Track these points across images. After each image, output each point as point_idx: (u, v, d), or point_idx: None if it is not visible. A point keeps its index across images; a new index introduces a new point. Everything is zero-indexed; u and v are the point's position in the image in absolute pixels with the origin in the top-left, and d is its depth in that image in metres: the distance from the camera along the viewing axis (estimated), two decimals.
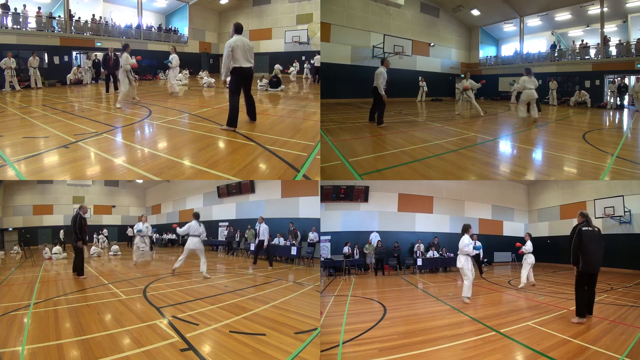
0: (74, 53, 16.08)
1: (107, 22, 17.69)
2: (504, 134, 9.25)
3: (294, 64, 18.15)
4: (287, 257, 11.21)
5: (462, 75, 19.81)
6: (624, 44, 14.84)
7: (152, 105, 9.97)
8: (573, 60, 16.53)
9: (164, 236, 17.75)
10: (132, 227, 12.64)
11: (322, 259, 10.79)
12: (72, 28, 15.97)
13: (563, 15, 17.11)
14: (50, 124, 7.51)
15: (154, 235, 17.13)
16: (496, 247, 14.13)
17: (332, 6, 14.69)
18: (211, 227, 15.99)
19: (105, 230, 17.29)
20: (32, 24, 14.75)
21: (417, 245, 12.15)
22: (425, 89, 16.62)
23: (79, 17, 16.42)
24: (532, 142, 8.33)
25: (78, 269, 7.59)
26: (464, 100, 11.80)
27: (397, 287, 8.79)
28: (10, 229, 17.50)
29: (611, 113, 13.89)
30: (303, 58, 18.78)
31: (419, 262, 11.44)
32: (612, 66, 15.24)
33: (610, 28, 15.65)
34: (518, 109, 10.41)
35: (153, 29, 19.92)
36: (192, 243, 7.83)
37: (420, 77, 16.70)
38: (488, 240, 12.95)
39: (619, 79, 15.18)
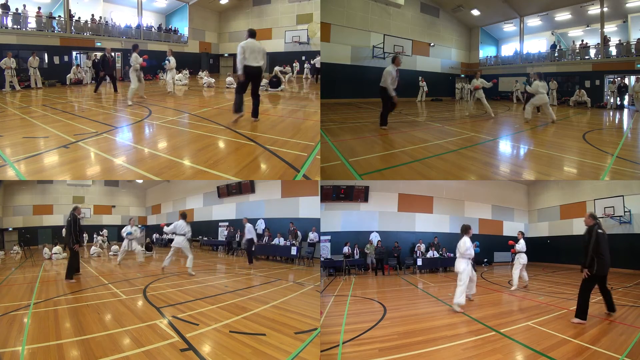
0: (74, 53, 16.09)
1: (107, 22, 17.69)
2: (504, 134, 9.25)
3: (294, 64, 18.16)
4: (287, 257, 11.20)
5: (463, 75, 19.82)
6: (624, 44, 14.84)
7: (152, 105, 9.97)
8: (573, 60, 16.53)
9: (164, 236, 17.73)
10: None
11: (322, 259, 10.79)
12: (72, 28, 15.97)
13: (563, 15, 17.11)
14: (50, 124, 7.51)
15: (154, 235, 17.16)
16: (496, 247, 14.12)
17: (332, 6, 14.68)
18: (211, 227, 16.01)
19: (105, 231, 17.29)
20: (32, 24, 14.75)
21: (417, 245, 12.15)
22: (425, 89, 16.62)
23: (79, 17, 16.42)
24: (532, 142, 8.32)
25: (73, 271, 7.33)
26: (473, 100, 11.66)
27: (397, 287, 8.79)
28: (10, 229, 17.50)
29: (611, 113, 13.89)
30: (303, 58, 18.79)
31: (419, 262, 11.44)
32: (612, 66, 15.24)
33: (610, 28, 15.64)
34: (525, 111, 10.43)
35: (153, 29, 19.92)
36: (178, 242, 8.21)
37: (420, 77, 16.71)
38: (488, 240, 12.96)
39: (619, 79, 15.19)
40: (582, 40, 16.65)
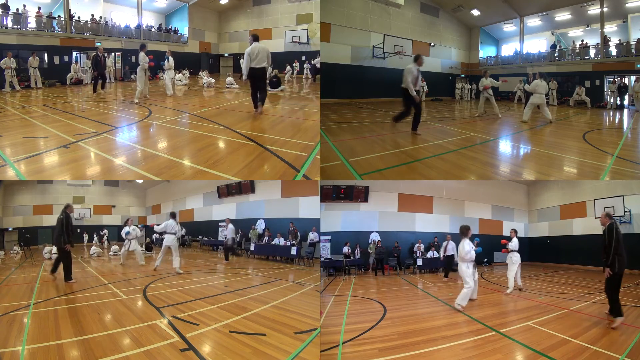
0: (74, 53, 16.09)
1: (107, 22, 17.70)
2: (504, 134, 9.25)
3: (294, 64, 18.17)
4: (287, 257, 11.20)
5: (463, 75, 19.82)
6: (624, 44, 14.84)
7: (152, 105, 9.97)
8: (573, 60, 16.54)
9: (164, 236, 17.73)
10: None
11: (322, 259, 10.79)
12: (72, 28, 15.97)
13: (563, 15, 17.11)
14: (50, 124, 7.51)
15: (155, 235, 17.15)
16: (496, 247, 14.08)
17: (332, 6, 14.69)
18: (211, 227, 16.01)
19: (105, 230, 17.30)
20: (32, 24, 14.75)
21: (417, 245, 12.15)
22: (426, 89, 16.60)
23: (79, 17, 16.43)
24: (532, 142, 8.33)
25: (67, 273, 6.98)
26: (483, 100, 11.60)
27: (397, 287, 8.78)
28: (10, 229, 17.51)
29: (611, 113, 13.89)
30: (303, 58, 18.79)
31: (419, 262, 11.44)
32: (612, 66, 15.24)
33: (610, 28, 15.65)
34: (524, 112, 10.42)
35: (153, 29, 19.92)
36: (168, 240, 8.44)
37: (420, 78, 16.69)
38: (488, 241, 12.94)
39: (619, 79, 15.19)
40: (582, 40, 16.65)
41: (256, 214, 13.78)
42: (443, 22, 18.67)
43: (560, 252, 14.00)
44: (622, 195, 11.46)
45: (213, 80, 15.68)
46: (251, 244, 12.46)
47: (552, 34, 17.99)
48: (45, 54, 15.04)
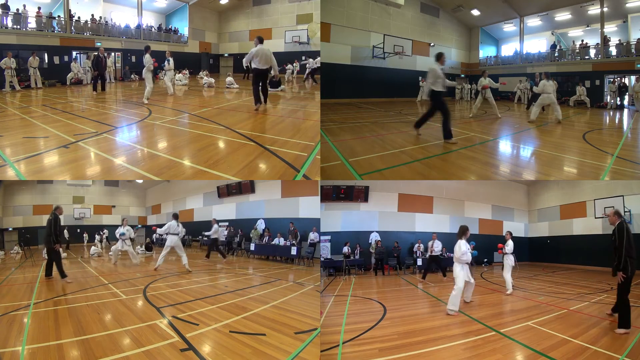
0: (74, 53, 16.09)
1: (107, 22, 17.70)
2: (504, 134, 9.25)
3: (294, 64, 18.15)
4: (287, 257, 11.20)
5: (463, 75, 19.81)
6: (624, 44, 14.84)
7: (152, 105, 9.96)
8: (573, 60, 16.53)
9: (164, 236, 17.73)
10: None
11: (322, 259, 10.79)
12: (72, 28, 15.97)
13: (563, 15, 17.11)
14: (50, 124, 7.51)
15: (155, 235, 17.14)
16: (496, 248, 14.11)
17: (332, 6, 14.69)
18: (211, 227, 15.99)
19: (105, 231, 17.28)
20: (32, 24, 14.75)
21: (417, 245, 12.14)
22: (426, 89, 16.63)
23: (79, 17, 16.43)
24: (532, 142, 8.32)
25: (60, 271, 7.06)
26: (480, 100, 11.61)
27: (397, 287, 8.78)
28: (10, 229, 17.49)
29: (611, 113, 13.89)
30: (303, 58, 18.79)
31: (419, 262, 11.43)
32: (612, 66, 15.24)
33: (610, 28, 15.65)
34: (532, 111, 10.41)
35: (153, 29, 19.92)
36: (172, 241, 8.65)
37: (420, 77, 16.70)
38: (488, 241, 12.94)
39: (619, 79, 15.19)
40: (582, 40, 16.65)
41: (256, 214, 13.78)
42: (443, 22, 18.67)
43: (560, 252, 14.00)
44: (622, 195, 11.46)
45: (213, 80, 15.68)
46: (251, 244, 12.46)
47: (552, 34, 17.99)
48: (45, 54, 15.03)
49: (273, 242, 11.91)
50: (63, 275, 7.04)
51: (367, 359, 3.84)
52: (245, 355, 3.60)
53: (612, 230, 4.71)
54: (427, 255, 10.39)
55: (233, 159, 5.50)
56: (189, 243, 16.75)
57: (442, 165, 6.23)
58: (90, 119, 8.04)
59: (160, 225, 9.09)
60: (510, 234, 8.00)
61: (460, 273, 5.68)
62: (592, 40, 16.27)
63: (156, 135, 7.12)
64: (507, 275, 7.49)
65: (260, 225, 13.29)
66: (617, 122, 12.13)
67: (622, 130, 10.55)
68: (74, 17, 16.15)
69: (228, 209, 15.38)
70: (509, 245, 7.70)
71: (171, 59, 12.35)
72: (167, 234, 8.73)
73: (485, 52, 20.05)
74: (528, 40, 18.68)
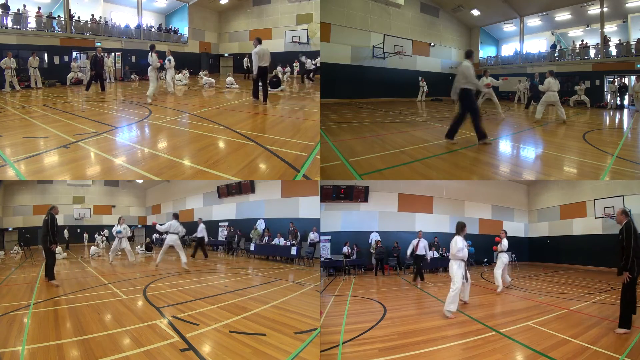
0: (74, 53, 16.09)
1: (107, 22, 17.69)
2: (504, 134, 9.24)
3: (294, 64, 18.16)
4: (287, 257, 11.21)
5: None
6: (624, 44, 14.84)
7: (152, 105, 9.96)
8: (573, 60, 16.52)
9: (164, 236, 17.73)
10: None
11: (322, 259, 10.79)
12: (72, 28, 15.97)
13: (563, 15, 17.10)
14: (50, 124, 7.51)
15: (155, 235, 17.15)
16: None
17: (332, 6, 14.69)
18: (211, 227, 15.99)
19: (105, 231, 17.28)
20: (32, 24, 14.75)
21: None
22: (426, 89, 16.62)
23: (79, 17, 16.42)
24: (532, 142, 8.32)
25: (50, 272, 6.86)
26: (482, 99, 11.60)
27: (397, 287, 8.78)
28: (10, 229, 17.50)
29: (611, 113, 13.89)
30: (303, 58, 18.79)
31: None
32: (612, 66, 15.23)
33: (610, 28, 15.64)
34: (537, 110, 10.41)
35: (153, 29, 19.92)
36: (172, 240, 8.95)
37: (420, 77, 16.71)
38: (488, 240, 12.93)
39: (619, 79, 15.18)
40: (582, 40, 16.64)
41: (256, 214, 13.78)
42: (443, 22, 18.67)
43: (560, 252, 14.00)
44: (622, 195, 11.47)
45: (213, 80, 15.68)
46: (251, 244, 12.46)
47: (552, 34, 17.98)
48: (45, 54, 15.04)
49: (273, 242, 11.92)
50: (51, 277, 6.79)
51: (367, 359, 3.84)
52: (245, 355, 3.60)
53: (618, 229, 4.64)
54: (409, 254, 9.93)
55: (233, 159, 5.50)
56: (189, 243, 16.76)
57: (442, 165, 6.23)
58: (90, 119, 8.04)
59: (162, 224, 9.27)
60: (505, 232, 8.07)
61: (458, 271, 5.49)
62: (592, 40, 16.26)
63: (156, 135, 7.12)
64: (498, 271, 7.58)
65: (260, 225, 13.30)
66: (617, 122, 12.12)
67: (622, 130, 10.55)
68: (74, 17, 16.15)
69: (228, 209, 15.38)
70: (504, 243, 7.80)
71: (172, 58, 12.45)
72: (167, 232, 8.98)
73: (486, 52, 20.04)
74: (528, 40, 18.68)
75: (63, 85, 14.87)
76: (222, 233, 14.96)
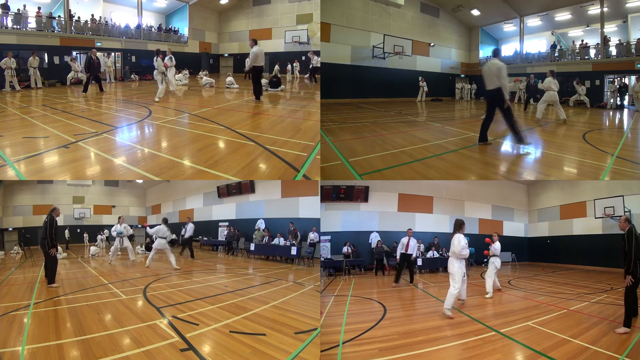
0: (74, 53, 16.09)
1: (107, 22, 17.69)
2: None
3: (294, 64, 18.16)
4: (287, 257, 11.20)
5: (463, 75, 19.80)
6: (624, 44, 14.84)
7: (152, 105, 9.97)
8: (573, 60, 16.53)
9: (155, 239, 17.70)
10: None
11: (322, 259, 10.78)
12: (72, 28, 15.97)
13: (563, 15, 17.11)
14: (50, 124, 7.51)
15: (154, 236, 17.14)
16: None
17: (332, 6, 14.69)
18: (211, 227, 16.00)
19: (106, 231, 17.28)
20: (32, 24, 14.75)
21: (417, 245, 12.13)
22: (426, 89, 16.62)
23: (79, 17, 16.42)
24: (532, 142, 8.30)
25: (50, 277, 6.65)
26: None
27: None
28: (10, 229, 17.49)
29: (611, 113, 13.89)
30: (303, 58, 18.80)
31: (419, 262, 11.41)
32: (612, 66, 15.24)
33: (610, 28, 15.64)
34: (537, 109, 10.40)
35: (153, 29, 19.92)
36: (160, 244, 9.26)
37: (420, 77, 16.71)
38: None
39: (619, 79, 15.18)
40: (582, 40, 16.64)
41: (256, 214, 13.77)
42: (443, 22, 18.66)
43: (560, 252, 14.00)
44: (622, 195, 11.46)
45: (213, 80, 15.68)
46: (251, 244, 12.46)
47: (552, 34, 17.98)
48: (45, 54, 15.04)
49: (273, 242, 11.92)
50: (51, 281, 6.61)
51: (367, 359, 3.84)
52: (245, 355, 3.60)
53: (618, 230, 4.89)
54: (398, 253, 9.12)
55: (233, 159, 5.50)
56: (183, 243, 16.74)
57: (442, 165, 6.22)
58: (90, 119, 8.04)
59: (153, 226, 9.64)
60: (497, 235, 7.74)
61: (459, 270, 5.38)
62: (592, 40, 16.26)
63: (156, 135, 7.12)
64: (489, 279, 7.12)
65: (260, 225, 13.30)
66: (617, 122, 12.12)
67: (622, 130, 10.55)
68: (74, 17, 16.15)
69: (228, 209, 15.38)
70: (496, 246, 7.46)
71: (172, 57, 12.55)
72: (156, 237, 9.28)
73: (486, 52, 20.02)
74: (528, 40, 18.68)
75: (63, 85, 14.87)
76: (222, 233, 14.96)
